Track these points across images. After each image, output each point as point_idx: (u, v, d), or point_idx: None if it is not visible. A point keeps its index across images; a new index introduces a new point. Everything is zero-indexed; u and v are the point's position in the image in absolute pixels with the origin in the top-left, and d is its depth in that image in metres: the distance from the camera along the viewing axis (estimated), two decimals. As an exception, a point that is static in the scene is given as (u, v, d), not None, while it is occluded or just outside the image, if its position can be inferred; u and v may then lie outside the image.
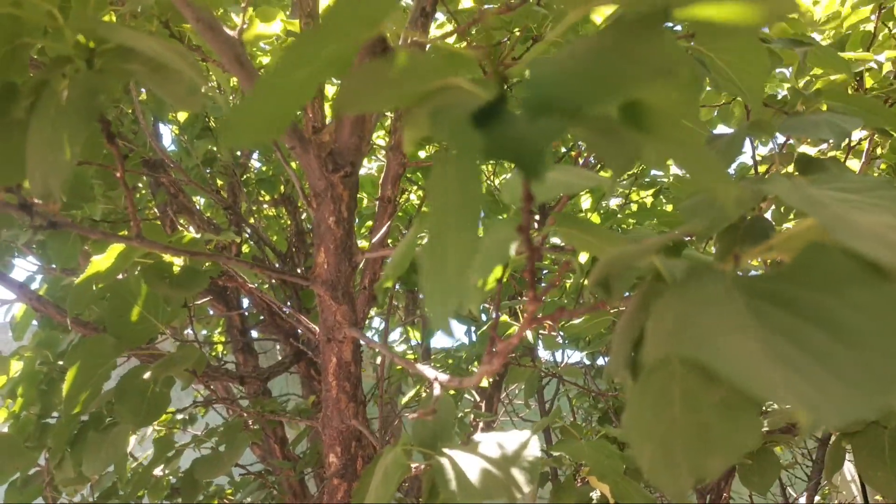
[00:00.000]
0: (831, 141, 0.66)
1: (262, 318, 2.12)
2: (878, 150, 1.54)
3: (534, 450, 0.66)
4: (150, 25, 0.90)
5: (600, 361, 2.12)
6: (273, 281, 2.06)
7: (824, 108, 0.74)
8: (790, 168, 0.69)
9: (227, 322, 2.27)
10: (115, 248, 0.83)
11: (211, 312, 2.29)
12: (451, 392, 2.18)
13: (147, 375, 0.91)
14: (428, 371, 0.71)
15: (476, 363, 2.20)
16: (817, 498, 3.04)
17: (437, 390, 0.70)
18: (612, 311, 1.21)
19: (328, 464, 1.01)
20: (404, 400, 2.29)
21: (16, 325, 1.90)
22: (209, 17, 0.67)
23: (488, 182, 2.33)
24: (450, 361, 2.43)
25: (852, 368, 0.28)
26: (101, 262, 0.84)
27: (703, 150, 0.36)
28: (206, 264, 1.15)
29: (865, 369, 0.28)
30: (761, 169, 1.17)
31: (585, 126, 0.37)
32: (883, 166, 1.63)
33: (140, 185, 1.72)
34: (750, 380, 0.28)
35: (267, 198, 2.43)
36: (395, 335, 2.89)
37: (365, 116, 0.83)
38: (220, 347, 2.66)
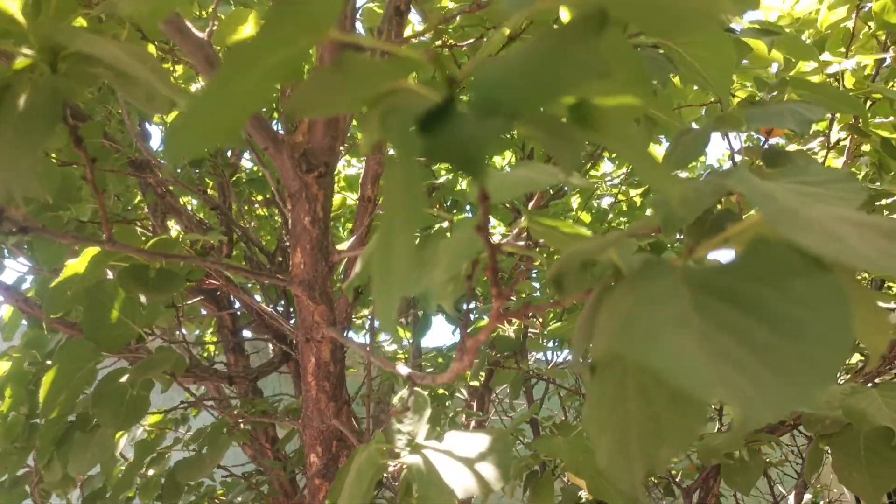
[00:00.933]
0: (796, 130, 0.66)
1: (252, 318, 2.12)
2: (865, 147, 1.54)
3: (507, 448, 0.66)
4: (122, 28, 0.90)
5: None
6: (266, 281, 2.06)
7: (794, 97, 0.75)
8: (758, 161, 0.69)
9: (218, 322, 2.27)
10: (89, 252, 0.83)
11: (204, 312, 2.29)
12: (442, 392, 2.18)
13: (124, 379, 0.91)
14: (402, 369, 0.71)
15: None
16: (808, 496, 3.05)
17: (409, 389, 0.70)
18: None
19: (309, 464, 1.01)
20: (396, 399, 2.29)
21: (4, 325, 1.90)
22: (177, 20, 0.67)
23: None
24: (440, 360, 2.43)
25: (791, 361, 0.28)
26: (75, 265, 0.84)
27: (648, 151, 0.36)
28: (191, 266, 1.15)
29: (803, 362, 0.28)
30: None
31: (533, 125, 0.37)
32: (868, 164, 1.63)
33: (129, 185, 1.72)
34: (687, 379, 0.28)
35: (259, 197, 2.43)
36: (386, 335, 2.88)
37: (338, 117, 0.83)
38: (211, 348, 2.66)
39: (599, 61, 0.28)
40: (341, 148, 0.86)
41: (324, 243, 0.86)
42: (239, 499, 1.95)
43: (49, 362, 1.57)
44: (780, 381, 0.28)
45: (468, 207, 1.80)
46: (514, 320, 1.39)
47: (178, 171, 1.73)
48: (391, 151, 0.36)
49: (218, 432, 1.25)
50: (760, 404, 0.27)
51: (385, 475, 0.77)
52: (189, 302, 2.16)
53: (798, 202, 0.38)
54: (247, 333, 2.36)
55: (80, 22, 0.84)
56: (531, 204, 0.87)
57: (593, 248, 0.40)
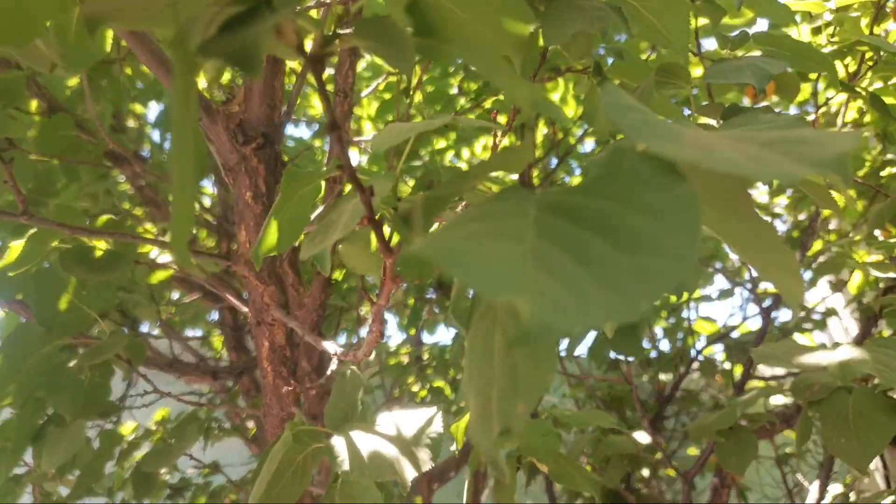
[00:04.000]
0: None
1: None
2: (867, 118, 1.46)
3: (438, 427, 0.62)
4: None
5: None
6: (208, 261, 2.02)
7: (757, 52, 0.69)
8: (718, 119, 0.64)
9: (220, 319, 2.26)
10: (28, 233, 0.80)
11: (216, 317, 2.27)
12: (437, 384, 2.13)
13: (73, 364, 0.88)
14: (329, 347, 0.67)
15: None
16: (839, 486, 2.92)
17: (335, 364, 0.66)
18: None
19: (272, 453, 0.97)
20: (396, 392, 2.25)
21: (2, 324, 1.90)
22: None
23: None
24: (447, 357, 2.37)
25: (623, 274, 0.24)
26: (17, 246, 0.82)
27: (498, 56, 0.31)
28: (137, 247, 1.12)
29: (637, 274, 0.24)
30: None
31: (366, 36, 0.33)
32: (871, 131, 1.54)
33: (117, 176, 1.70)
34: (490, 284, 0.24)
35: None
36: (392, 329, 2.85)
37: (273, 84, 0.79)
38: (218, 345, 2.65)
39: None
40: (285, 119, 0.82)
41: (267, 219, 0.82)
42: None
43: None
44: (606, 293, 0.23)
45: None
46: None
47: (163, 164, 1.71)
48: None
49: (187, 424, 1.22)
50: (575, 313, 0.23)
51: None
52: (188, 300, 2.15)
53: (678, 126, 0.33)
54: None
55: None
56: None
57: (449, 185, 0.35)
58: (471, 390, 0.35)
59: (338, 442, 0.61)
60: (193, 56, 0.27)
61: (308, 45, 0.34)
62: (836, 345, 0.88)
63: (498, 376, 0.33)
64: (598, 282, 0.24)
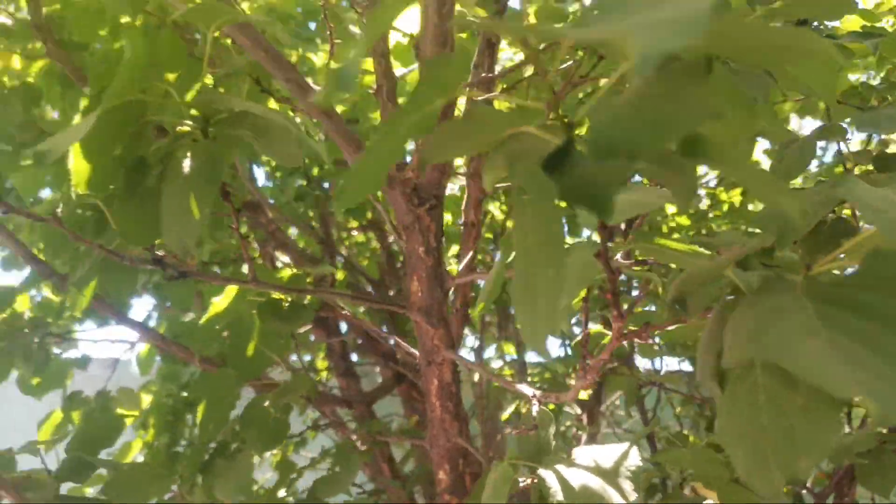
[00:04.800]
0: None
1: (359, 342, 2.21)
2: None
3: (635, 459, 0.69)
4: (244, 84, 0.99)
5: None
6: (388, 308, 2.15)
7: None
8: (869, 166, 0.69)
9: (328, 348, 2.38)
10: (231, 290, 0.92)
11: (312, 339, 2.39)
12: (551, 406, 2.19)
13: (267, 403, 0.99)
14: (526, 389, 0.75)
15: (573, 375, 2.20)
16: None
17: (535, 407, 0.74)
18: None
19: (438, 480, 1.05)
20: (504, 416, 2.31)
21: (141, 360, 2.07)
22: (297, 77, 0.74)
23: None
24: (546, 375, 2.43)
25: None
26: (219, 303, 0.93)
27: (760, 170, 0.38)
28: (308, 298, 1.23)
29: None
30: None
31: (647, 161, 0.40)
32: None
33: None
34: (825, 379, 0.31)
35: (355, 224, 2.52)
36: (490, 351, 2.91)
37: (446, 151, 0.88)
38: (324, 373, 2.78)
39: (712, 103, 0.31)
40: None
41: (438, 271, 0.91)
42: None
43: (185, 394, 1.71)
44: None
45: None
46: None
47: (284, 205, 1.85)
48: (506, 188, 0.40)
49: (347, 452, 1.32)
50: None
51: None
52: (301, 331, 2.28)
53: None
54: (354, 357, 2.46)
55: (208, 80, 0.92)
56: (637, 223, 0.90)
57: (710, 270, 0.43)
58: (736, 439, 0.42)
59: (547, 475, 0.68)
60: (549, 194, 0.36)
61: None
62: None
63: (771, 432, 0.40)
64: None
